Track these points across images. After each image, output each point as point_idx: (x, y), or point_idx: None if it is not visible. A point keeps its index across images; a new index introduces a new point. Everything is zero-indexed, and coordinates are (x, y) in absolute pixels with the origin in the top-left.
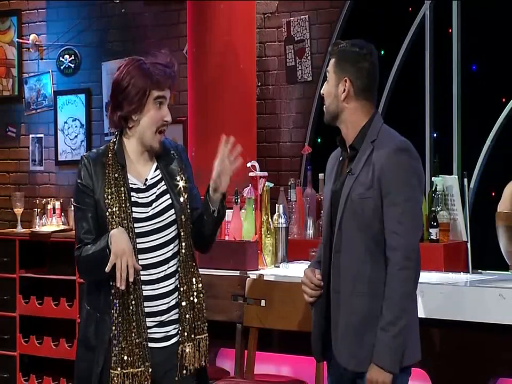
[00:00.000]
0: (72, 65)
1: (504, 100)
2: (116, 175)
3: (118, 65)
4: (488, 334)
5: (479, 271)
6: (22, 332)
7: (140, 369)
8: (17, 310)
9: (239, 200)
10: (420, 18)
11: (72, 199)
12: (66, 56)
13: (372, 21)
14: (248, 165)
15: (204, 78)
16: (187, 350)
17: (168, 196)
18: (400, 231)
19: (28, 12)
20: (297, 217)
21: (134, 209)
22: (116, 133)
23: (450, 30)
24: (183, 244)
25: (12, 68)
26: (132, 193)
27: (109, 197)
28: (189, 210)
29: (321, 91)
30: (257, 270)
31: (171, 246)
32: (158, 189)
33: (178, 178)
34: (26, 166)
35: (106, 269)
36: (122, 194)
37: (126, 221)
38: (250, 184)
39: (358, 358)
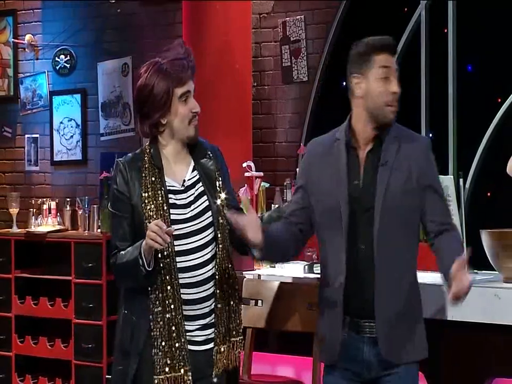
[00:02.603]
0: (68, 65)
1: (499, 99)
2: (153, 178)
3: (138, 73)
4: (484, 334)
5: (474, 271)
6: (18, 332)
7: (180, 373)
8: (13, 310)
9: None
10: (416, 18)
11: (109, 205)
12: (62, 56)
13: (367, 21)
14: (244, 165)
15: (200, 78)
16: (222, 352)
17: (205, 197)
18: (452, 222)
19: (23, 12)
20: None
21: (172, 211)
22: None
23: (445, 30)
24: (220, 246)
25: (8, 68)
26: (170, 195)
27: (146, 201)
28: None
29: (397, 89)
30: (253, 270)
31: (209, 249)
32: (196, 190)
33: (215, 179)
34: (22, 166)
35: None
36: (160, 197)
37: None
38: (246, 184)
39: (407, 350)
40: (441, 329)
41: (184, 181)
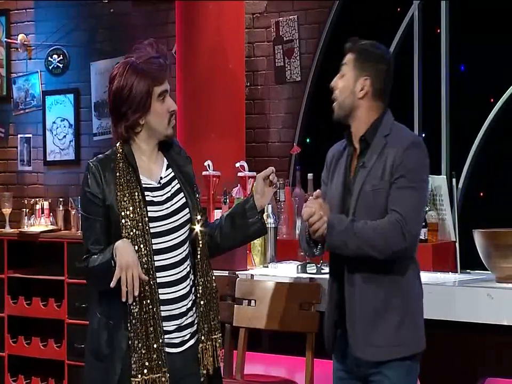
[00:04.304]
0: (61, 65)
1: (492, 100)
2: (128, 177)
3: (112, 74)
4: (477, 333)
5: (467, 271)
6: (10, 332)
7: (158, 375)
8: (6, 310)
9: (228, 200)
10: (408, 19)
11: (79, 208)
12: (55, 56)
13: (360, 21)
14: (237, 165)
15: (193, 78)
16: (207, 350)
17: (182, 194)
18: (400, 210)
19: (16, 11)
20: (286, 217)
21: (149, 208)
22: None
23: (438, 30)
24: (200, 242)
25: (0, 67)
26: (147, 193)
27: (123, 199)
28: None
29: (332, 84)
30: (246, 270)
31: (185, 246)
32: (172, 187)
33: (190, 176)
34: (15, 166)
35: (111, 284)
36: (136, 195)
37: (140, 223)
38: (239, 184)
39: (375, 346)
40: (433, 329)
41: (161, 178)
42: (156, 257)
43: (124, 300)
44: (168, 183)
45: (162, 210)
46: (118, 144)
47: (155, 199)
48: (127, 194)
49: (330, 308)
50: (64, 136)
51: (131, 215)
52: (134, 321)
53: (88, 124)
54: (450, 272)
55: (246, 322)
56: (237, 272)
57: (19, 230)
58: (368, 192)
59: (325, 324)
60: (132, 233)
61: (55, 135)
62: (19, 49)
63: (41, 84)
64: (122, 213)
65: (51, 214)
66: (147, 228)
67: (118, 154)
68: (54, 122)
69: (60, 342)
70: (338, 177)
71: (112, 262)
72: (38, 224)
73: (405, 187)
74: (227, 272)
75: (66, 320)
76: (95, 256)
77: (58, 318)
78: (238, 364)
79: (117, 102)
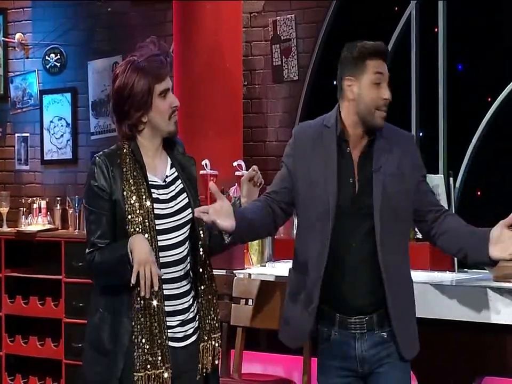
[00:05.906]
0: (58, 64)
1: (489, 99)
2: (135, 173)
3: (114, 74)
4: (474, 332)
5: (464, 270)
6: (8, 331)
7: (161, 370)
8: (3, 309)
9: None
10: (406, 18)
11: (83, 201)
12: (52, 55)
13: (357, 21)
14: (235, 164)
15: (190, 77)
16: (207, 348)
17: (185, 194)
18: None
19: (13, 10)
20: None
21: (155, 205)
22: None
23: (436, 30)
24: (201, 242)
25: None
26: (153, 190)
27: (129, 196)
28: None
29: (389, 96)
30: (243, 269)
31: (186, 245)
32: (176, 187)
33: (193, 177)
34: (12, 165)
35: (132, 280)
36: (142, 191)
37: (147, 220)
38: (236, 184)
39: (414, 345)
40: (431, 328)
41: (166, 176)
42: (161, 254)
43: (142, 294)
44: (173, 182)
45: (167, 208)
46: (123, 141)
47: (161, 197)
48: (134, 191)
49: (309, 303)
50: (62, 135)
51: (137, 211)
52: (138, 316)
53: (86, 123)
54: (447, 271)
55: (244, 321)
56: (234, 271)
57: (16, 229)
58: (392, 195)
59: (293, 318)
60: (138, 229)
61: (52, 134)
62: (16, 48)
63: (38, 83)
64: (129, 209)
65: (48, 213)
66: (153, 224)
67: (124, 150)
68: (51, 121)
69: (57, 341)
70: (325, 169)
71: (127, 257)
72: (36, 223)
73: (427, 183)
74: (225, 271)
75: (64, 319)
76: (103, 251)
77: (55, 317)
78: (235, 363)
79: (119, 101)
